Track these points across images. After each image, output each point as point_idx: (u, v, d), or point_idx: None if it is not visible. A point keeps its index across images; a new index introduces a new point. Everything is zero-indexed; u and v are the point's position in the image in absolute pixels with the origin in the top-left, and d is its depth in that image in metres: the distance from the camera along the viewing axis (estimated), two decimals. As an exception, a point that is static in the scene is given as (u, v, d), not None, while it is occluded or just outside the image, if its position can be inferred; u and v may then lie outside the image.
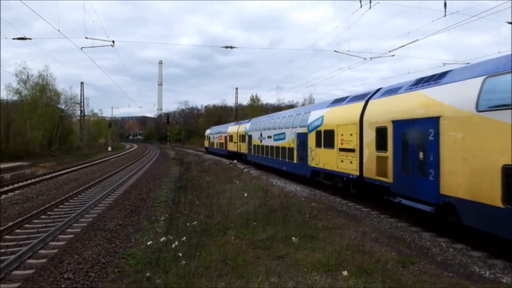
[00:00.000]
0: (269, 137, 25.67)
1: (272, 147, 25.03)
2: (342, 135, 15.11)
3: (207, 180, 20.26)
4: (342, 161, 15.17)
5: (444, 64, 20.85)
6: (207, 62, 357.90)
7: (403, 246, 9.24)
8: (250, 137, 31.73)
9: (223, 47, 21.60)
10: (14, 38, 19.17)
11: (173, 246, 8.07)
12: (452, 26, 15.73)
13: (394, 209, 12.52)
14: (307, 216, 11.55)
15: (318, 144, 17.33)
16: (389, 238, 9.92)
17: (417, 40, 17.92)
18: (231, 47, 21.46)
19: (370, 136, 12.93)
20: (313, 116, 18.23)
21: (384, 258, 7.70)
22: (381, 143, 12.20)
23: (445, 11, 15.22)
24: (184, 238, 8.56)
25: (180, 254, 7.48)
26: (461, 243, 9.58)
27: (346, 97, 16.23)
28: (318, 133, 17.37)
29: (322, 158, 16.99)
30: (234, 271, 6.71)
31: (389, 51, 19.13)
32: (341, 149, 15.19)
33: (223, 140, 46.11)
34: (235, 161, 37.53)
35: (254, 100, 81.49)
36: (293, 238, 8.87)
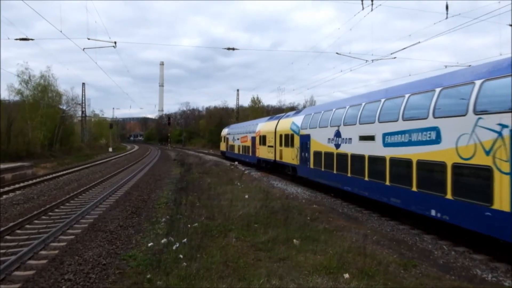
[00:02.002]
0: (366, 138, 13.51)
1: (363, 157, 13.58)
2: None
3: (208, 181, 20.24)
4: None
5: (446, 66, 20.81)
6: (209, 63, 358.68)
7: (404, 249, 9.21)
8: (305, 138, 19.62)
9: (225, 48, 21.61)
10: (16, 39, 19.20)
11: (174, 247, 8.05)
12: (454, 29, 15.75)
13: (395, 212, 12.48)
14: (308, 218, 11.53)
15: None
16: (390, 241, 9.89)
17: (419, 42, 17.95)
18: (233, 49, 21.47)
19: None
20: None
21: (385, 261, 7.67)
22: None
23: (447, 14, 15.22)
24: (185, 239, 8.54)
25: (181, 256, 7.46)
26: (463, 246, 9.55)
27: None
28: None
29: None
30: (235, 273, 6.69)
31: (391, 53, 19.13)
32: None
33: (249, 143, 34.00)
34: (236, 162, 36.98)
35: (255, 101, 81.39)
36: (294, 240, 8.84)
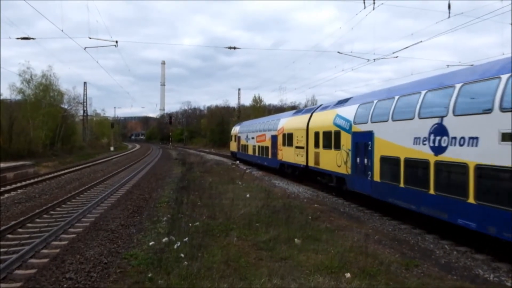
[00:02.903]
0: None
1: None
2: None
3: (209, 180, 20.24)
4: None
5: (448, 65, 20.75)
6: (210, 62, 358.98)
7: (406, 248, 9.19)
8: (363, 137, 13.91)
9: (227, 47, 21.58)
10: (17, 38, 19.22)
11: (175, 247, 8.05)
12: (456, 28, 15.69)
13: (397, 212, 12.44)
14: (310, 217, 11.51)
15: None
16: (392, 240, 9.87)
17: (421, 41, 17.88)
18: (234, 48, 21.44)
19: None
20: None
21: (387, 261, 7.65)
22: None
23: (449, 13, 15.18)
24: (187, 239, 8.53)
25: (182, 255, 7.45)
26: (464, 246, 9.51)
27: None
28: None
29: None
30: (236, 272, 6.68)
31: (393, 53, 19.08)
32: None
33: (267, 143, 27.70)
34: (237, 161, 36.80)
35: (257, 100, 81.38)
36: (296, 239, 8.83)
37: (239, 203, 13.17)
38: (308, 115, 20.39)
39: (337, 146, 15.93)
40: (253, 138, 32.30)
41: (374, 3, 16.17)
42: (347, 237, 9.38)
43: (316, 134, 18.42)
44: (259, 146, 30.44)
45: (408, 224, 11.78)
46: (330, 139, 16.72)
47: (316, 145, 18.42)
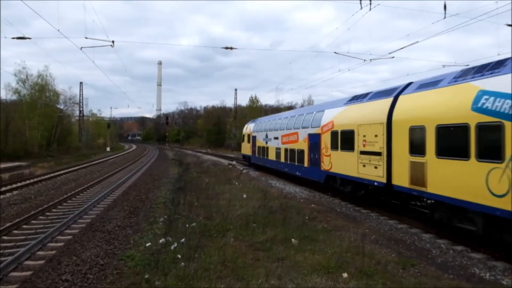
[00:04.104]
0: None
1: None
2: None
3: (206, 181, 20.23)
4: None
5: (444, 66, 20.86)
6: (208, 62, 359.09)
7: (403, 248, 9.21)
8: None
9: (224, 48, 21.54)
10: (13, 38, 19.10)
11: (172, 247, 8.03)
12: (452, 28, 15.74)
13: (393, 211, 12.49)
14: (307, 217, 11.52)
15: None
16: (389, 240, 9.89)
17: (417, 42, 17.95)
18: (232, 48, 21.42)
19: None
20: None
21: (384, 260, 7.68)
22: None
23: (445, 13, 15.25)
24: (183, 239, 8.52)
25: (179, 256, 7.44)
26: (461, 245, 9.56)
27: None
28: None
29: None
30: (233, 273, 6.68)
31: (389, 53, 19.14)
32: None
33: (302, 145, 20.07)
34: (234, 162, 36.69)
35: (254, 101, 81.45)
36: (293, 240, 8.83)
37: (236, 203, 13.16)
38: (387, 101, 12.73)
39: (493, 154, 8.17)
40: (276, 138, 24.47)
41: (370, 3, 16.23)
42: (344, 237, 9.40)
43: (412, 132, 10.96)
44: (286, 149, 22.24)
45: (405, 224, 11.83)
46: (464, 140, 8.87)
47: (416, 149, 10.75)
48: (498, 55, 15.50)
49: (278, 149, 23.90)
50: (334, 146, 15.97)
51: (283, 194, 16.92)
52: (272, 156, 25.32)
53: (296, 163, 20.55)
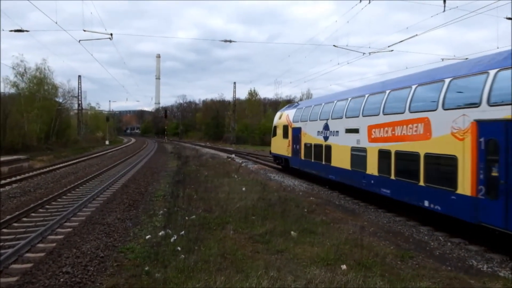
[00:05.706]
0: None
1: None
2: None
3: (205, 174, 20.25)
4: None
5: (443, 59, 20.79)
6: (205, 56, 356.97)
7: (401, 240, 9.28)
8: None
9: (222, 41, 21.47)
10: (11, 30, 19.00)
11: (172, 240, 8.07)
12: (451, 22, 15.68)
13: (391, 204, 12.53)
14: (306, 210, 11.57)
15: None
16: (387, 232, 9.96)
17: (416, 35, 17.87)
18: (230, 41, 21.34)
19: None
20: None
21: (382, 252, 7.73)
22: None
23: (444, 7, 15.17)
24: (183, 232, 8.56)
25: (179, 248, 7.48)
26: (458, 237, 9.63)
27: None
28: None
29: None
30: (233, 265, 6.72)
31: (388, 46, 19.06)
32: None
33: (447, 144, 9.15)
34: (233, 155, 36.83)
35: (252, 94, 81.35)
36: (292, 232, 8.88)
37: (235, 196, 13.20)
38: None
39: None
40: (350, 131, 14.84)
41: (369, -4, 16.11)
42: (342, 230, 9.45)
43: None
44: (386, 152, 12.08)
45: (403, 216, 11.89)
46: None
47: None
48: (497, 49, 15.46)
49: (358, 150, 14.13)
50: None
51: (282, 187, 16.96)
52: (338, 161, 15.80)
53: (424, 184, 10.18)
